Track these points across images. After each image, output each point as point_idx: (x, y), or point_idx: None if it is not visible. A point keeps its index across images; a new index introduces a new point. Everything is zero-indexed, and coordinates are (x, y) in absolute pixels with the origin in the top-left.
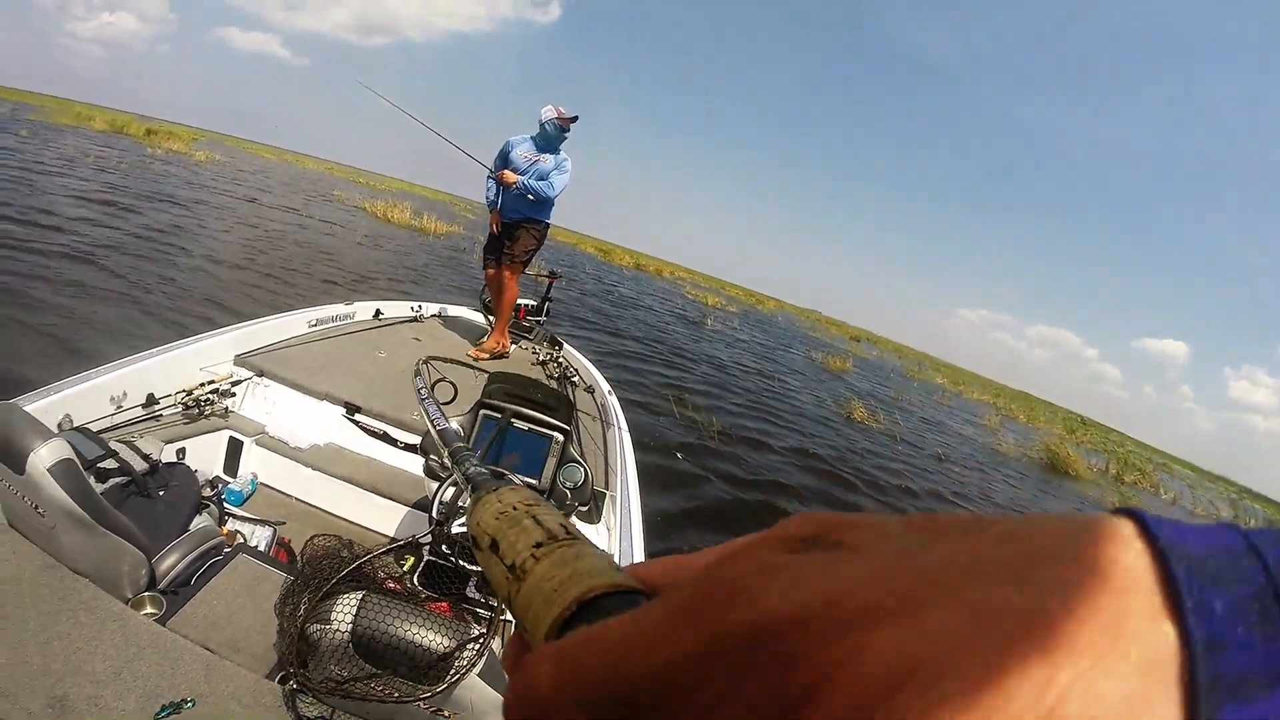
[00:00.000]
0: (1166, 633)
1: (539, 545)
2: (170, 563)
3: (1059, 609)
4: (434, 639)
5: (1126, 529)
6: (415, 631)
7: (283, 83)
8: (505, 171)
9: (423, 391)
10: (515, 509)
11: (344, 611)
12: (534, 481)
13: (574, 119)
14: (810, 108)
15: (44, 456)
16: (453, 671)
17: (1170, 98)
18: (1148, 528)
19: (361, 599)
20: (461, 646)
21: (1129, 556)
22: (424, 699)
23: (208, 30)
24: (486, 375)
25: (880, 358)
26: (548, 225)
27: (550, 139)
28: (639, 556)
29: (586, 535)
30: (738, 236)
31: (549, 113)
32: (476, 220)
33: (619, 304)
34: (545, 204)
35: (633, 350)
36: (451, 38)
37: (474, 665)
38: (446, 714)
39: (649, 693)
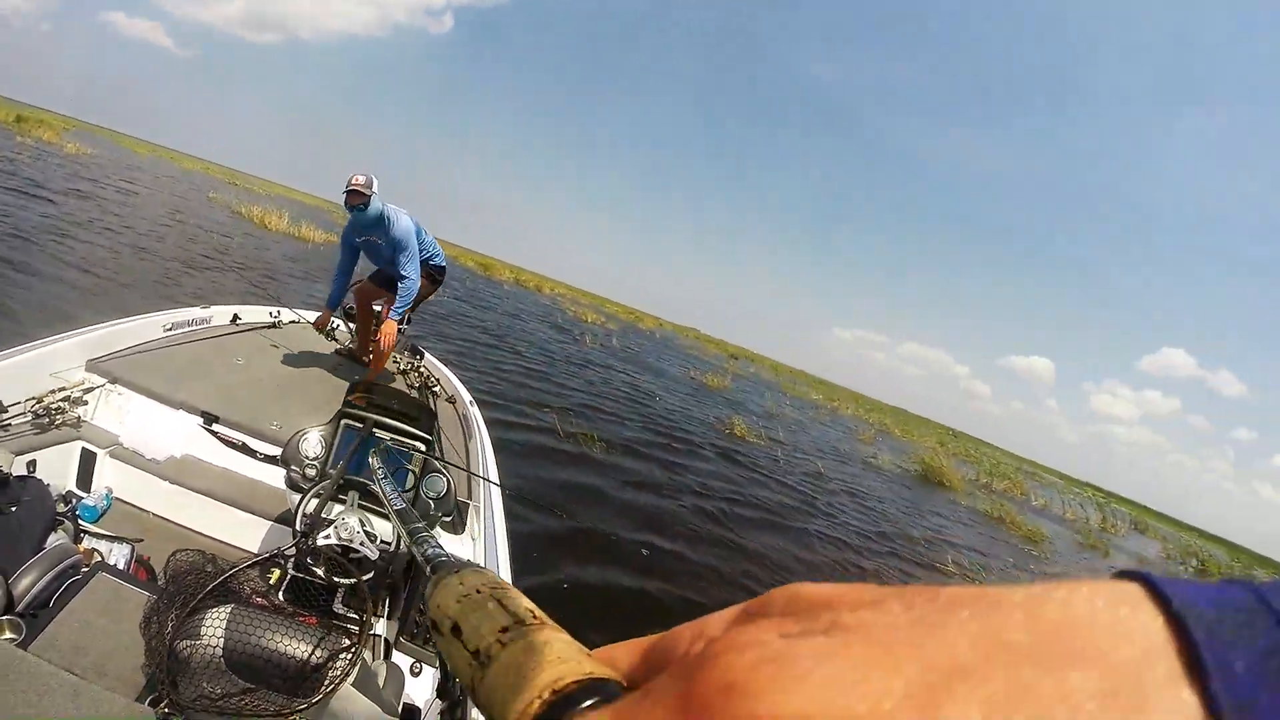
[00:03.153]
0: (1189, 701)
1: (505, 630)
2: (27, 583)
3: (1082, 689)
4: (306, 650)
5: (1137, 594)
6: (287, 643)
7: (166, 74)
8: (384, 328)
9: (380, 471)
10: (479, 592)
11: (213, 626)
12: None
13: (367, 185)
14: (693, 127)
15: None
16: (326, 682)
17: (1038, 126)
18: (1159, 591)
19: (231, 612)
20: (334, 657)
21: (1144, 622)
22: (300, 710)
23: (92, 13)
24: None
25: (757, 375)
26: (435, 266)
27: (368, 217)
28: (504, 565)
29: (451, 547)
30: (617, 254)
31: (348, 191)
32: None
33: (502, 320)
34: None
35: (510, 364)
36: (344, 40)
37: (347, 675)
38: None
39: None
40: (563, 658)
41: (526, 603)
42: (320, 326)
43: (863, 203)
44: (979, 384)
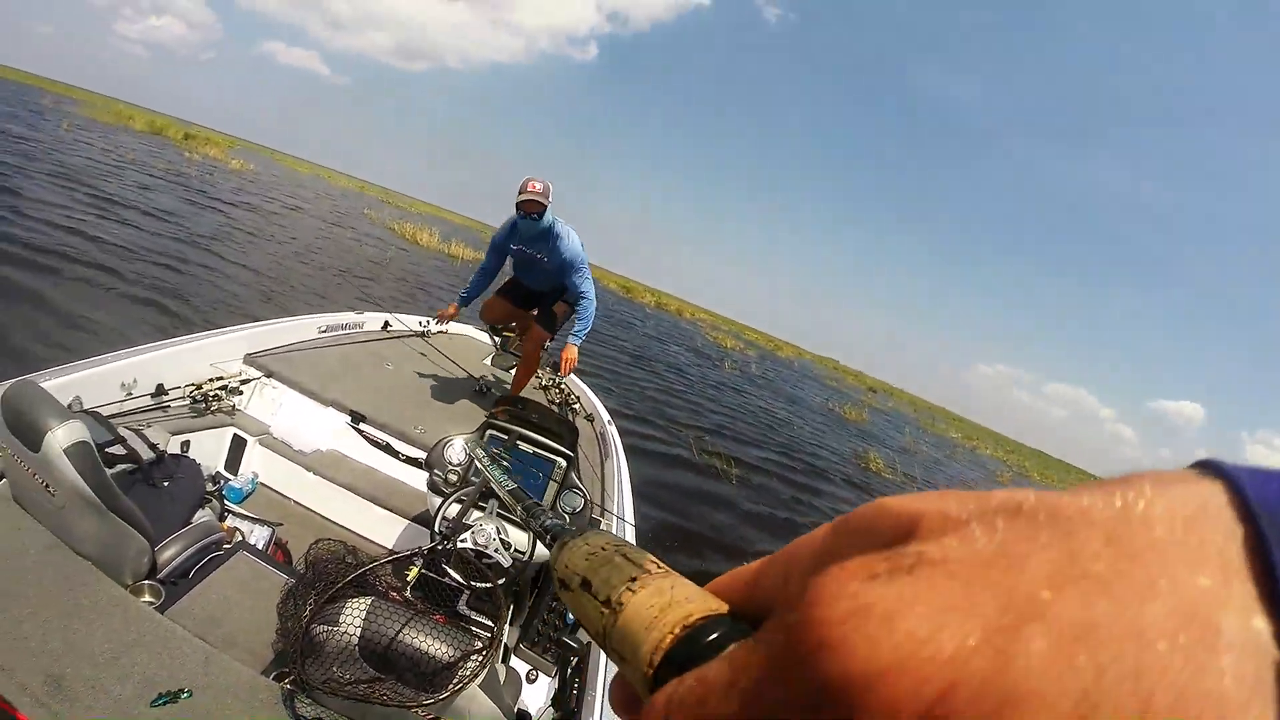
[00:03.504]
0: (1261, 630)
1: (634, 579)
2: (171, 553)
3: (1155, 625)
4: (440, 648)
5: (1219, 501)
6: (423, 640)
7: (322, 98)
8: (565, 353)
9: (484, 459)
10: (605, 549)
11: (352, 615)
12: None
13: (544, 194)
14: (840, 155)
15: (60, 437)
16: (456, 680)
17: (1193, 155)
18: (1242, 494)
19: (370, 604)
20: (465, 657)
21: (1222, 543)
22: (427, 705)
23: (253, 44)
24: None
25: (896, 409)
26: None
27: (538, 227)
28: None
29: None
30: (757, 281)
31: (524, 199)
32: None
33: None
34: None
35: (648, 383)
36: (491, 68)
37: (477, 676)
38: None
39: None
40: (689, 597)
41: (649, 556)
42: (443, 318)
43: (1010, 233)
44: (1125, 428)
